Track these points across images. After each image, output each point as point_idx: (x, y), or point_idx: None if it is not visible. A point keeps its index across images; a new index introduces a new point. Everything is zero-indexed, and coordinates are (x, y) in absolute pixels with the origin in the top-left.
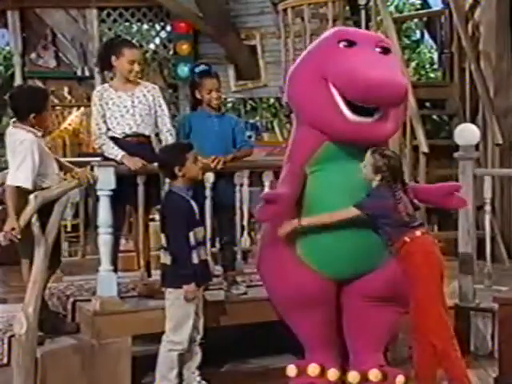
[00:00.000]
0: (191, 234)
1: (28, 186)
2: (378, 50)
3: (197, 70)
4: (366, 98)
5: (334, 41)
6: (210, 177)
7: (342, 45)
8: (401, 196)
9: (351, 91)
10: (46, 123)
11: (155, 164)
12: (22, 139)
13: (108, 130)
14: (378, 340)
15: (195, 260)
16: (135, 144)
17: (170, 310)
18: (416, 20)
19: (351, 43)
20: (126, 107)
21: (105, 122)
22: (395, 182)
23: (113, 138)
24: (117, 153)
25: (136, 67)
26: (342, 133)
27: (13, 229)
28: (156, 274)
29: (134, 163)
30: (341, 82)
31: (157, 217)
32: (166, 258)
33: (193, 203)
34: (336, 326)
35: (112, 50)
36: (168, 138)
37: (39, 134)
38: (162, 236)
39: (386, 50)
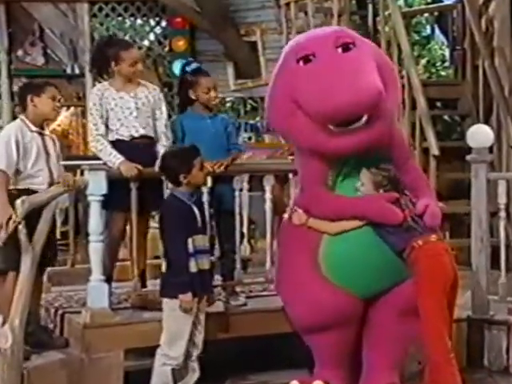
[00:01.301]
0: (189, 241)
1: (2, 166)
2: (339, 50)
3: (189, 68)
4: (337, 122)
5: (294, 61)
6: (207, 181)
7: (301, 63)
8: (406, 202)
9: (322, 119)
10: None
11: (154, 168)
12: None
13: (110, 130)
14: (397, 355)
15: (193, 269)
16: (142, 147)
17: (166, 322)
18: (426, 15)
19: (309, 57)
20: (130, 109)
21: (103, 122)
22: (397, 192)
23: (119, 141)
24: (114, 160)
25: (139, 67)
26: (335, 149)
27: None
28: (151, 284)
29: (128, 170)
30: (309, 111)
31: (153, 224)
32: (164, 266)
33: (195, 209)
34: (354, 345)
35: (109, 55)
36: (165, 141)
37: (34, 128)
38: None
39: (347, 47)
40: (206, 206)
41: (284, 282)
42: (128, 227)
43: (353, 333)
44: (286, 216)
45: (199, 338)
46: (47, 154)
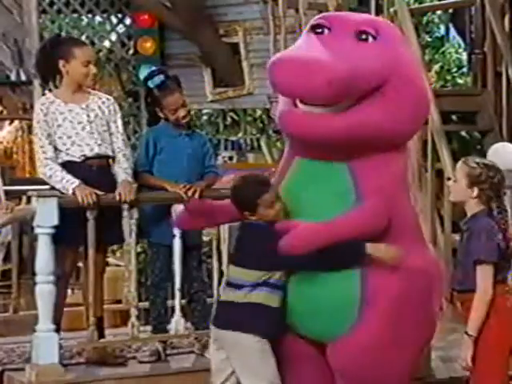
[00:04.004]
0: None
1: None
2: (357, 35)
3: (151, 84)
4: (275, 87)
5: (309, 27)
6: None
7: (313, 31)
8: (506, 220)
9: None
10: None
11: (114, 194)
12: None
13: (58, 151)
14: None
15: None
16: (96, 169)
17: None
18: (440, 12)
19: (323, 29)
20: (82, 123)
21: (51, 143)
22: (498, 200)
23: (70, 163)
24: (68, 185)
25: (92, 69)
26: (288, 125)
27: None
28: (109, 334)
29: (85, 196)
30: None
31: (112, 260)
32: (251, 296)
33: None
34: None
35: (58, 53)
36: (121, 159)
37: None
38: (234, 268)
39: (365, 37)
40: (177, 239)
41: None
42: (82, 265)
43: (312, 376)
44: None
45: None
46: None
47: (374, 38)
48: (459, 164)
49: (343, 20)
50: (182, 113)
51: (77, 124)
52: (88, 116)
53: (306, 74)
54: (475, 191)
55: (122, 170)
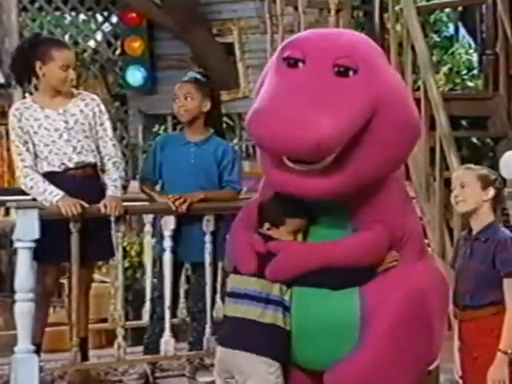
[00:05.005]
0: None
1: None
2: (335, 69)
3: (186, 76)
4: (256, 143)
5: (280, 57)
6: (169, 222)
7: (285, 63)
8: None
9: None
10: None
11: (99, 205)
12: None
13: (39, 159)
14: None
15: None
16: (80, 179)
17: None
18: (448, 10)
19: (296, 61)
20: (59, 130)
21: (28, 150)
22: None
23: (50, 174)
24: (51, 198)
25: (71, 74)
26: (279, 186)
27: None
28: (94, 356)
29: (69, 207)
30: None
31: (97, 276)
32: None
33: None
34: None
35: (35, 54)
36: (111, 169)
37: None
38: (237, 278)
39: (345, 71)
40: (167, 254)
41: None
42: (64, 281)
43: None
44: None
45: None
46: None
47: (355, 71)
48: (463, 171)
49: (319, 51)
50: (179, 102)
51: (53, 131)
52: (66, 122)
53: (292, 134)
54: (491, 191)
55: (111, 182)
